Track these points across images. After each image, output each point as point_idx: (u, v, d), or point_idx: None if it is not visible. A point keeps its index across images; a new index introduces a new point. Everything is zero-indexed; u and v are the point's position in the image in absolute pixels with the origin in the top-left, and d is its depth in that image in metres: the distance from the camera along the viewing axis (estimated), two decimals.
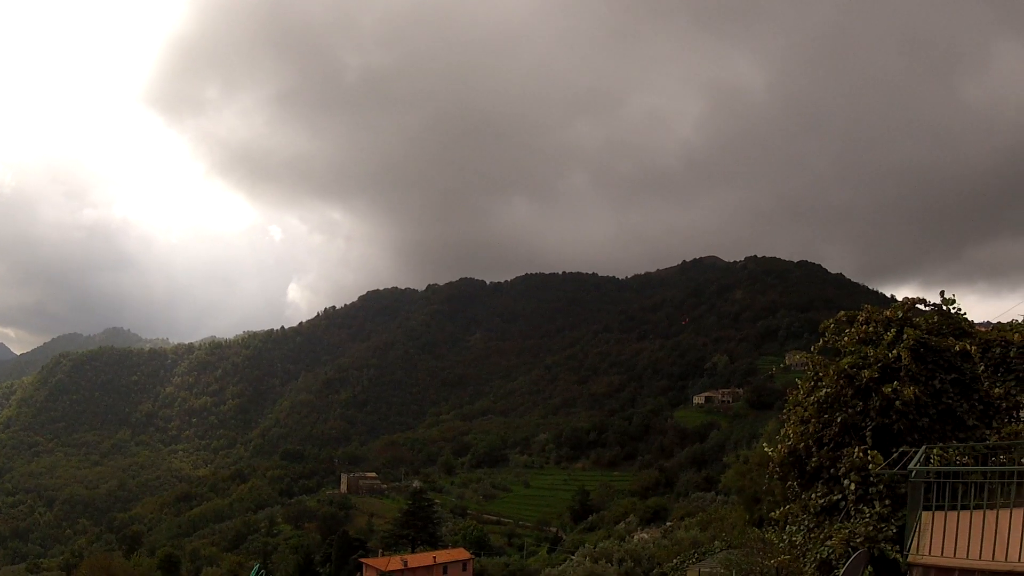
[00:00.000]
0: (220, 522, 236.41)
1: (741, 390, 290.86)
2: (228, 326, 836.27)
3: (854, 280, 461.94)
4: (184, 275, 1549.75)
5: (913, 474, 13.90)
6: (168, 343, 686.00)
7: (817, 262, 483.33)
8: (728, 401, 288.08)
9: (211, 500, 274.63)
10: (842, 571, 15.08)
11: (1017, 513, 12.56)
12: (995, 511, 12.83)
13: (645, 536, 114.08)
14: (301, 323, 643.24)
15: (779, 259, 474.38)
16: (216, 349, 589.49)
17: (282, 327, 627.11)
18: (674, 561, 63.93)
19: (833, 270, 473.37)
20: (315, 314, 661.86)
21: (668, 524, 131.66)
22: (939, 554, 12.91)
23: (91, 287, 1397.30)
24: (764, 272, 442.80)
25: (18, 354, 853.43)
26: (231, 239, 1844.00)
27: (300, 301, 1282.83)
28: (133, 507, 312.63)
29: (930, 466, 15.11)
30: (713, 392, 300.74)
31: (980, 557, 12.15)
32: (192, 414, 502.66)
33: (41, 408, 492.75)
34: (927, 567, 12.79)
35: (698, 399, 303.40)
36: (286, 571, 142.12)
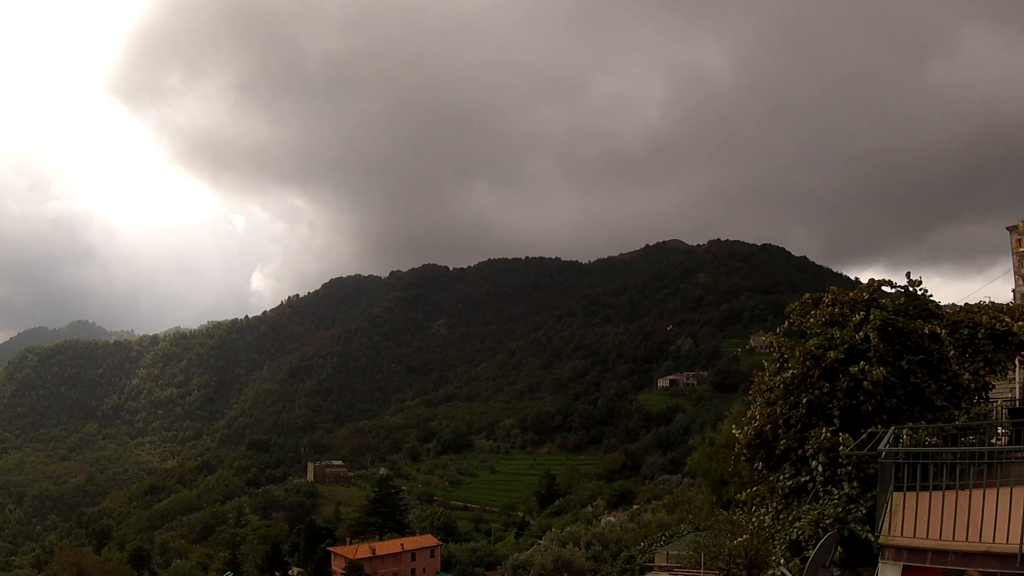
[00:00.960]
0: (188, 514, 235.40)
1: (705, 373, 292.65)
2: (193, 316, 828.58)
3: (818, 263, 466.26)
4: (148, 266, 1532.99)
5: (883, 455, 13.83)
6: (133, 335, 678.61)
7: (781, 245, 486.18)
8: (693, 384, 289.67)
9: (179, 492, 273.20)
10: (813, 553, 15.06)
11: (989, 494, 12.57)
12: (967, 492, 12.84)
13: (612, 519, 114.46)
14: (265, 312, 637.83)
15: (743, 242, 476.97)
16: (181, 340, 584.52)
17: (246, 317, 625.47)
18: (642, 544, 64.13)
19: (797, 253, 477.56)
20: (279, 303, 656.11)
21: (635, 507, 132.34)
22: (911, 535, 12.89)
23: (56, 281, 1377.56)
24: (728, 255, 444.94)
25: None
26: (194, 229, 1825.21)
27: (264, 290, 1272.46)
28: (102, 501, 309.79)
29: (900, 447, 15.01)
30: (677, 375, 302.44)
31: (953, 538, 12.14)
32: (158, 406, 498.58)
33: (8, 404, 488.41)
34: (899, 548, 12.77)
35: (663, 382, 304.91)
36: (255, 562, 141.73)
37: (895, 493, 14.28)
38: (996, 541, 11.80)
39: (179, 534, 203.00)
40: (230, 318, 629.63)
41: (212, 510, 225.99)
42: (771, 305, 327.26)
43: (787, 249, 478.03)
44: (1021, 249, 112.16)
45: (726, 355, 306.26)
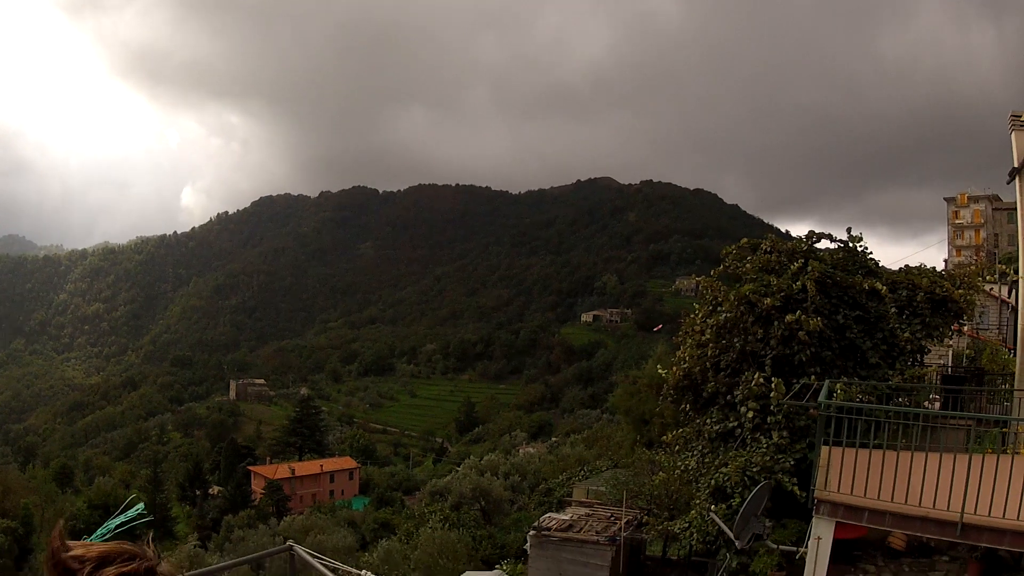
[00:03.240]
0: (112, 431, 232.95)
1: (630, 311, 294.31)
2: (122, 230, 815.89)
3: (750, 212, 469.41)
4: (80, 179, 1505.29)
5: (822, 406, 13.82)
6: (62, 250, 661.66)
7: (713, 191, 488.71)
8: (616, 321, 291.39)
9: (103, 408, 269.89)
10: (746, 502, 15.16)
11: (921, 458, 12.61)
12: (896, 453, 12.88)
13: (531, 451, 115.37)
14: (194, 228, 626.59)
15: (675, 185, 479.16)
16: (109, 255, 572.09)
17: (175, 232, 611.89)
18: (560, 477, 64.45)
19: (729, 201, 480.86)
20: (208, 219, 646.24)
21: (553, 439, 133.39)
22: (844, 491, 12.92)
23: None
24: (659, 197, 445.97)
25: None
26: (127, 142, 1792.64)
27: (194, 206, 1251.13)
28: (27, 418, 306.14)
29: (835, 400, 15.02)
30: (601, 311, 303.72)
31: (892, 499, 12.18)
32: (85, 321, 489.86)
33: None
34: (836, 504, 12.78)
35: (586, 317, 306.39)
36: (176, 479, 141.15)
37: (824, 447, 14.28)
38: (936, 507, 11.85)
39: (102, 451, 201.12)
40: (159, 233, 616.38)
41: (135, 427, 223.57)
42: (699, 249, 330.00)
43: (719, 196, 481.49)
44: (957, 221, 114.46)
45: (651, 295, 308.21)
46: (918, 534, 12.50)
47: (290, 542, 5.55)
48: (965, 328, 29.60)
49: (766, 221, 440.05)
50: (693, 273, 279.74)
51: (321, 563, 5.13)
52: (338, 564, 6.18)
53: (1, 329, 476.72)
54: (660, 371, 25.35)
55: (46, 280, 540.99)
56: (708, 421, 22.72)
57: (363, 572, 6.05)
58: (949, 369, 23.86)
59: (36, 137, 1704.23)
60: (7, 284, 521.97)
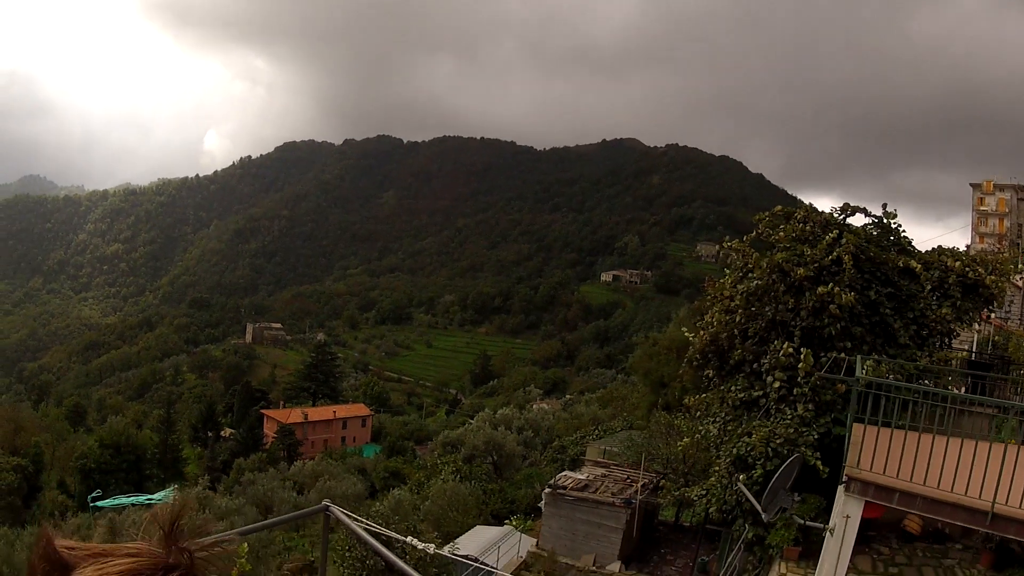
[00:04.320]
0: (126, 371, 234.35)
1: (650, 273, 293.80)
2: (143, 173, 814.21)
3: (774, 183, 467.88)
4: (102, 121, 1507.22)
5: (859, 382, 13.54)
6: (83, 190, 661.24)
7: (739, 159, 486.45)
8: (635, 282, 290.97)
9: (118, 348, 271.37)
10: (776, 475, 14.97)
11: (951, 442, 12.38)
12: (929, 436, 12.65)
13: (545, 407, 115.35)
14: (216, 172, 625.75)
15: (700, 150, 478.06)
16: (130, 196, 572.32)
17: (197, 175, 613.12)
18: (575, 436, 64.49)
19: (754, 169, 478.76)
20: (231, 163, 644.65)
21: (568, 397, 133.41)
22: (870, 470, 12.71)
23: (7, 135, 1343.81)
24: (684, 161, 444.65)
25: None
26: (151, 85, 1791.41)
27: (217, 150, 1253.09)
28: (42, 356, 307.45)
29: (871, 376, 14.70)
30: (621, 271, 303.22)
31: (925, 483, 11.95)
32: (103, 261, 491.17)
33: None
34: (866, 483, 12.56)
35: (606, 276, 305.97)
36: (189, 421, 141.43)
37: (855, 424, 14.05)
38: (968, 494, 11.62)
39: (116, 391, 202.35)
40: (181, 176, 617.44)
41: (150, 367, 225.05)
42: (722, 216, 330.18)
43: (744, 164, 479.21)
44: (982, 207, 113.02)
45: (672, 258, 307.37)
46: (947, 520, 12.25)
47: (326, 502, 5.36)
48: (992, 316, 29.15)
49: (790, 192, 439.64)
50: (709, 239, 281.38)
51: (360, 526, 4.95)
52: (377, 527, 6.00)
53: (19, 268, 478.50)
54: (687, 334, 25.00)
55: (66, 220, 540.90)
56: (733, 388, 22.40)
57: (408, 538, 5.85)
58: (974, 355, 23.43)
59: (58, 78, 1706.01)
60: (26, 223, 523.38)
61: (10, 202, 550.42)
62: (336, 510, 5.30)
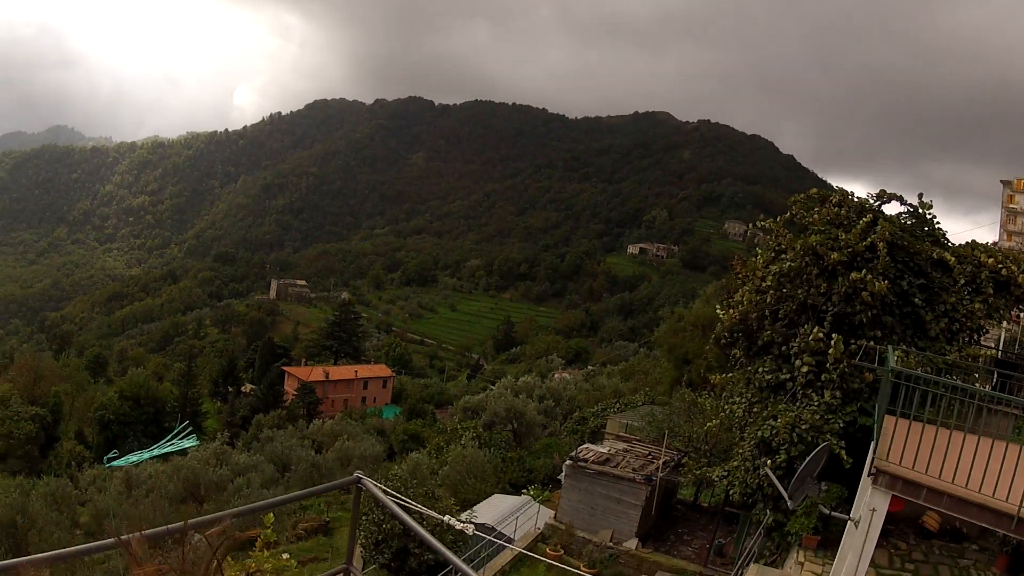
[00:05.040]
0: (149, 323, 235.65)
1: (676, 247, 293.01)
2: (172, 126, 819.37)
3: (804, 165, 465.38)
4: (132, 73, 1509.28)
5: (892, 371, 13.32)
6: (111, 142, 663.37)
7: (770, 139, 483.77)
8: (662, 256, 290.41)
9: (142, 300, 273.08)
10: (805, 462, 14.82)
11: (978, 441, 12.20)
12: (961, 433, 12.46)
13: (566, 376, 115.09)
14: (246, 127, 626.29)
15: (732, 128, 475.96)
16: (158, 148, 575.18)
17: (226, 130, 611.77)
18: (596, 407, 64.41)
19: (785, 150, 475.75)
20: (261, 119, 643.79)
21: (590, 368, 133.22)
22: (899, 463, 12.56)
23: (36, 85, 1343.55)
24: (715, 138, 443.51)
25: None
26: (182, 38, 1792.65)
27: (247, 105, 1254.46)
28: (65, 307, 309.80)
29: (901, 367, 14.41)
30: (648, 245, 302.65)
31: (953, 481, 11.79)
32: (129, 213, 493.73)
33: None
34: (895, 477, 12.40)
35: (632, 249, 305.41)
36: (209, 375, 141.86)
37: (887, 415, 13.87)
38: (996, 496, 11.46)
39: (138, 342, 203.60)
40: (210, 130, 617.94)
41: (172, 320, 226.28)
42: (751, 195, 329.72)
43: (776, 144, 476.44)
44: (1011, 205, 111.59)
45: (699, 234, 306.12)
46: (973, 521, 12.07)
47: (359, 473, 5.33)
48: (1021, 315, 28.79)
49: (820, 176, 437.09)
50: (743, 218, 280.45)
51: (393, 500, 4.93)
52: (412, 503, 5.97)
53: (44, 218, 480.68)
54: (718, 311, 24.84)
55: (93, 171, 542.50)
56: (760, 370, 22.28)
57: (446, 517, 5.81)
58: (1000, 353, 23.12)
59: (89, 31, 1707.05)
60: (52, 173, 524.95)
61: (37, 152, 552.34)
62: (369, 483, 5.27)
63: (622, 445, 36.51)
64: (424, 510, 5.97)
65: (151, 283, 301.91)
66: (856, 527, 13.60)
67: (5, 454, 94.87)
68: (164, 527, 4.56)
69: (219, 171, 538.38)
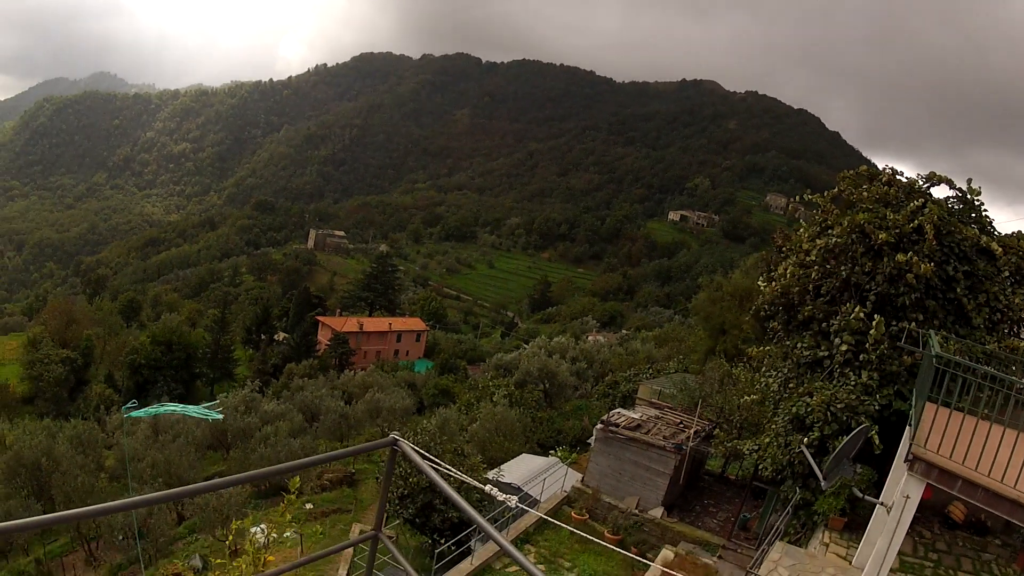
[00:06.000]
0: (185, 268, 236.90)
1: (717, 217, 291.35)
2: (216, 75, 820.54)
3: (850, 143, 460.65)
4: (177, 21, 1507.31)
5: (936, 357, 13.04)
6: (154, 89, 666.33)
7: (817, 115, 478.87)
8: (702, 224, 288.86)
9: (179, 246, 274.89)
10: (842, 443, 14.72)
11: (1018, 436, 11.97)
12: (993, 425, 12.23)
13: (600, 339, 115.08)
14: (290, 77, 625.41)
15: (779, 101, 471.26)
16: (202, 96, 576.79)
17: (271, 80, 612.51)
18: (628, 372, 64.17)
19: (831, 127, 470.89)
20: (306, 70, 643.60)
21: (624, 332, 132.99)
22: (938, 452, 12.34)
23: (80, 32, 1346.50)
24: (762, 110, 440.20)
25: (1, 100, 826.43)
26: None
27: (292, 56, 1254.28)
28: (101, 251, 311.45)
29: (951, 355, 14.01)
30: (689, 212, 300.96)
31: (989, 474, 11.56)
32: (170, 160, 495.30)
33: (19, 152, 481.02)
34: (931, 465, 12.19)
35: (673, 215, 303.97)
36: (243, 322, 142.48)
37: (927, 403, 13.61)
38: None
39: (172, 288, 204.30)
40: (254, 80, 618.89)
41: (208, 267, 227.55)
42: (795, 169, 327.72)
43: (822, 120, 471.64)
44: None
45: (741, 205, 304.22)
46: (1007, 517, 11.84)
47: (394, 434, 5.26)
48: None
49: (865, 155, 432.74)
50: (786, 191, 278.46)
51: (429, 465, 4.86)
52: (451, 469, 5.94)
53: (83, 163, 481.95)
54: (760, 284, 24.64)
55: (134, 117, 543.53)
56: (799, 345, 22.13)
57: (488, 487, 5.74)
58: None
59: None
60: (94, 119, 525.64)
61: (79, 98, 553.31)
62: (405, 445, 5.21)
63: (654, 412, 36.41)
64: (465, 478, 5.93)
65: (189, 229, 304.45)
66: (888, 513, 13.48)
67: (34, 396, 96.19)
68: (187, 487, 4.52)
69: (262, 120, 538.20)
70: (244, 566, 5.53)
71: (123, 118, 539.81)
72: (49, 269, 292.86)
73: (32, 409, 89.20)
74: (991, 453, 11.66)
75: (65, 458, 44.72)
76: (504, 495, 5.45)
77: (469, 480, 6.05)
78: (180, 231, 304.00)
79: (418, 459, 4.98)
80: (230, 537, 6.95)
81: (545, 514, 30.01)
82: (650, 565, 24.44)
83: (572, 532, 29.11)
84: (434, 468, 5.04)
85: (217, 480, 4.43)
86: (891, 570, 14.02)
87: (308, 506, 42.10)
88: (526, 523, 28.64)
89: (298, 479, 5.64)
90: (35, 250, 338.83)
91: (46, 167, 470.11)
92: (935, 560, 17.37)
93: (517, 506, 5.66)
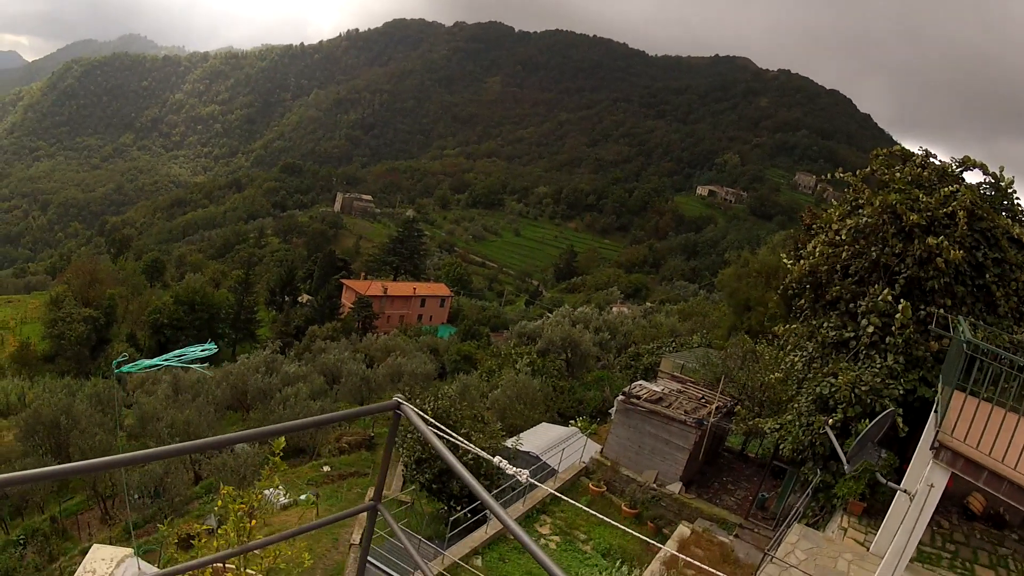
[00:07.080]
0: (210, 229, 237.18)
1: (745, 193, 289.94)
2: (246, 38, 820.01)
3: (880, 126, 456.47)
4: None
5: (967, 343, 12.68)
6: (183, 51, 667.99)
7: (849, 97, 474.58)
8: (730, 200, 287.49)
9: (204, 207, 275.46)
10: (868, 427, 14.45)
11: None
12: (1016, 416, 11.88)
13: (624, 311, 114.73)
14: (321, 42, 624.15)
15: (812, 81, 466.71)
16: (231, 59, 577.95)
17: (302, 43, 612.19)
18: (651, 345, 64.00)
19: (863, 109, 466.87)
20: (337, 35, 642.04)
21: (648, 305, 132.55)
22: (964, 440, 12.01)
23: None
24: (794, 89, 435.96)
25: (30, 61, 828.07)
26: None
27: (324, 21, 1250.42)
28: (127, 211, 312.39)
29: (983, 343, 13.59)
30: (717, 187, 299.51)
31: (1016, 467, 11.23)
32: (198, 121, 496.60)
33: (47, 113, 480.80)
34: (957, 454, 11.86)
35: (702, 190, 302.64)
36: (268, 284, 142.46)
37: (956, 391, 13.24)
38: None
39: (197, 248, 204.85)
40: (285, 43, 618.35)
41: (234, 228, 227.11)
42: (825, 149, 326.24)
43: (853, 102, 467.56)
44: None
45: (769, 183, 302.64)
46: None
47: (398, 398, 5.01)
48: None
49: (895, 139, 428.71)
50: (815, 171, 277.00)
51: (432, 431, 4.61)
52: (455, 436, 5.68)
53: (111, 124, 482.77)
54: (786, 261, 24.37)
55: (163, 79, 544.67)
56: (825, 325, 21.89)
57: (496, 458, 5.48)
58: None
59: None
60: (122, 80, 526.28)
61: (108, 60, 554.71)
62: (408, 409, 4.95)
63: (676, 386, 36.24)
64: (471, 447, 5.66)
65: (215, 191, 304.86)
66: (911, 500, 13.20)
67: (55, 355, 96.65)
68: (191, 442, 4.33)
69: (292, 84, 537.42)
70: (231, 533, 5.38)
71: (152, 80, 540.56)
72: (74, 228, 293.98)
73: (53, 367, 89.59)
74: (1018, 446, 11.35)
75: (84, 416, 44.80)
76: (515, 469, 5.19)
77: (476, 450, 5.78)
78: (206, 192, 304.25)
79: (422, 425, 4.73)
80: (236, 503, 6.79)
81: (563, 485, 29.90)
82: (665, 542, 24.28)
83: (589, 503, 29.01)
84: (441, 436, 4.81)
85: (222, 436, 4.24)
86: (909, 559, 13.75)
87: (325, 468, 42.25)
88: (542, 493, 28.52)
89: (283, 440, 5.46)
90: (60, 209, 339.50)
91: (73, 128, 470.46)
92: (952, 551, 17.16)
93: (528, 481, 5.38)
